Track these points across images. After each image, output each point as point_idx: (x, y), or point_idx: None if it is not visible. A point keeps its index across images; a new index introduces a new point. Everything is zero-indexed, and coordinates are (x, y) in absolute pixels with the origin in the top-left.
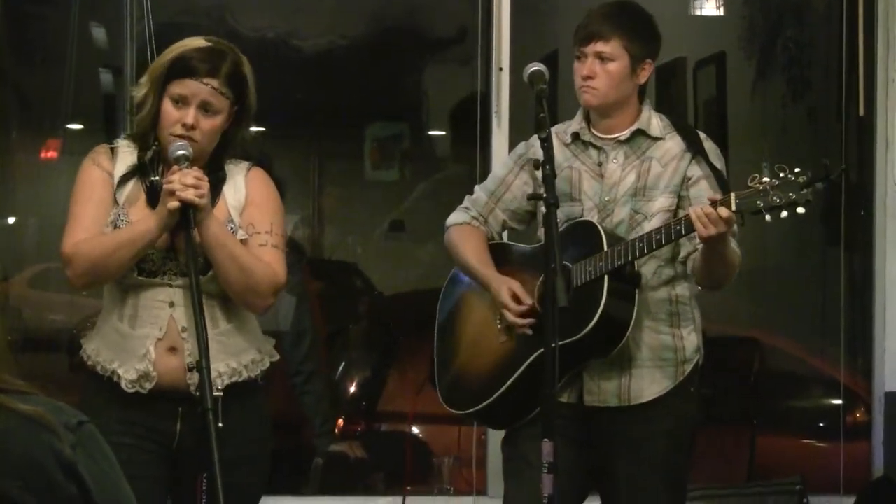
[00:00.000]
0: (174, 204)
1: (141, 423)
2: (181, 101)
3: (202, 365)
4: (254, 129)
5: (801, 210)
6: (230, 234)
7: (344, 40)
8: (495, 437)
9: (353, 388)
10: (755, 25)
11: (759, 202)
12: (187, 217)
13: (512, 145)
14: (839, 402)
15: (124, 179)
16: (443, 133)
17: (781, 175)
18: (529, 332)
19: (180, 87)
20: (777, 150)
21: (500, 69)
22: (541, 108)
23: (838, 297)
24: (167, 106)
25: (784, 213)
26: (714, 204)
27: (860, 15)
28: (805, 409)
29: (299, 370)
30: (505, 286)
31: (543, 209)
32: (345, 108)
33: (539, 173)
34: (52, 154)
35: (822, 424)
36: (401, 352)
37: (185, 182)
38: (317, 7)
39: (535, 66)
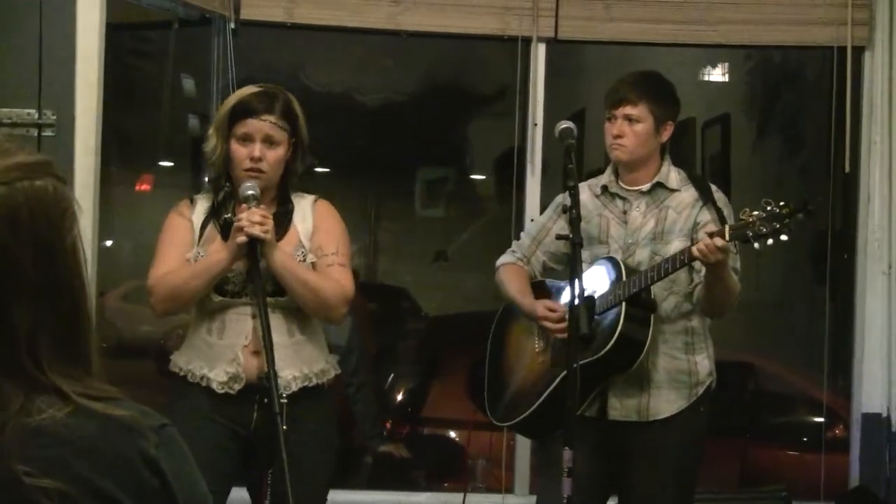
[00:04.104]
0: (242, 239)
1: (225, 411)
2: (246, 139)
3: (270, 374)
4: (320, 170)
5: (784, 237)
6: (294, 261)
7: (399, 96)
8: (523, 441)
9: (400, 397)
10: (756, 91)
11: (748, 232)
12: (254, 250)
13: (544, 192)
14: (821, 419)
15: (204, 224)
16: (483, 177)
17: (768, 208)
18: (565, 335)
19: (243, 127)
20: (774, 199)
21: (535, 124)
22: (569, 160)
23: (823, 328)
24: (235, 146)
25: (770, 241)
26: (711, 235)
27: (848, 84)
28: (791, 424)
29: (350, 382)
30: (540, 304)
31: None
32: (399, 153)
33: (567, 217)
34: (145, 187)
35: (805, 439)
36: (442, 366)
37: (252, 220)
38: (377, 67)
39: (565, 124)
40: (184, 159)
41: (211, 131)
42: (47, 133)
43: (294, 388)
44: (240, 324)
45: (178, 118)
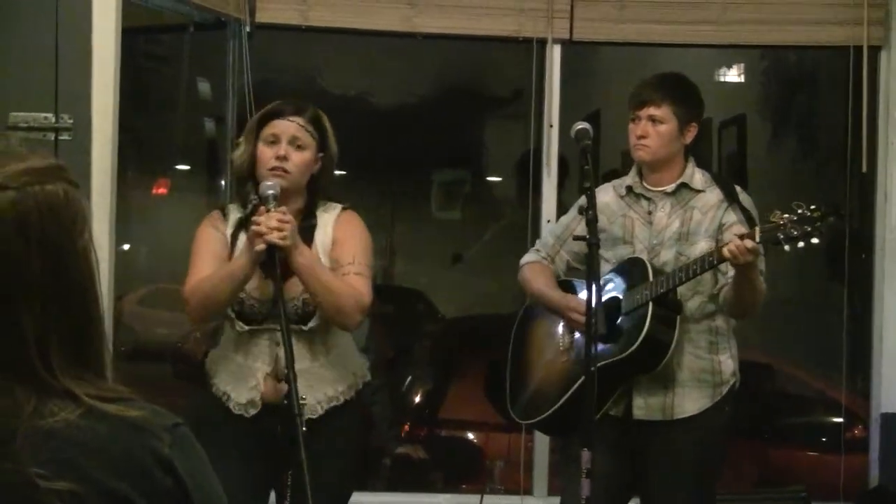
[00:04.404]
0: (261, 246)
1: (245, 431)
2: (273, 140)
3: (289, 377)
4: (336, 172)
5: (815, 241)
6: (318, 262)
7: (415, 98)
8: (541, 443)
9: (417, 399)
10: (771, 91)
11: (779, 234)
12: (272, 256)
13: (563, 194)
14: (840, 420)
15: (234, 236)
16: (499, 179)
17: (799, 211)
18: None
19: (271, 128)
20: (790, 199)
21: (551, 126)
22: (584, 160)
23: (841, 329)
24: (262, 148)
25: (801, 244)
26: (742, 237)
27: (864, 83)
28: (810, 425)
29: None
30: (569, 299)
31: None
32: (415, 156)
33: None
34: (162, 190)
35: (824, 439)
36: (460, 367)
37: (270, 225)
38: (392, 69)
39: (581, 125)
40: (200, 163)
41: (241, 139)
42: (64, 137)
43: (320, 411)
44: (263, 350)
45: (194, 122)
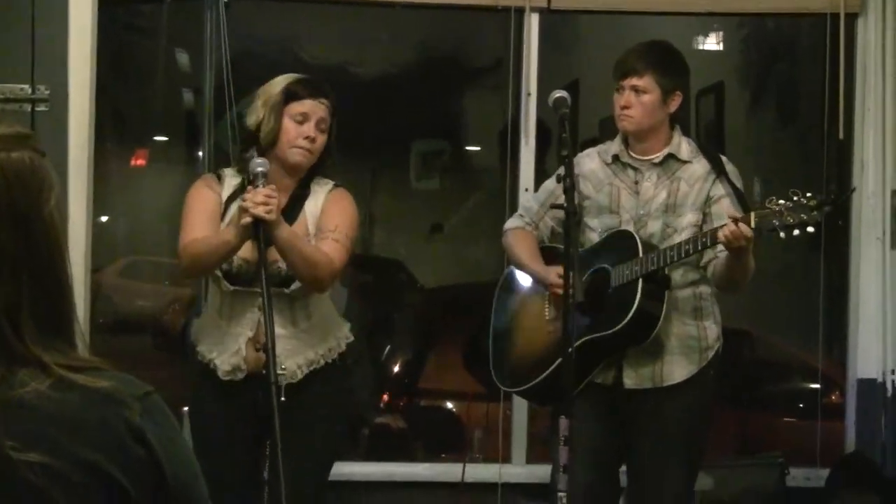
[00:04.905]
0: (247, 220)
1: (232, 396)
2: (303, 119)
3: (267, 347)
4: None
5: (811, 229)
6: (298, 236)
7: (394, 68)
8: (520, 411)
9: (396, 368)
10: (750, 59)
11: (775, 221)
12: (258, 229)
13: (538, 161)
14: (817, 386)
15: (228, 202)
16: (479, 149)
17: (795, 198)
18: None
19: (301, 107)
20: (769, 168)
21: (529, 94)
22: (563, 129)
23: (818, 296)
24: (288, 124)
25: (796, 232)
26: (736, 221)
27: (841, 51)
28: (788, 392)
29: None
30: (552, 271)
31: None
32: (394, 126)
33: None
34: (140, 162)
35: (801, 406)
36: (439, 337)
37: (256, 200)
38: (372, 39)
39: (558, 93)
40: (178, 134)
41: (259, 107)
42: (41, 108)
43: (300, 375)
44: (247, 314)
45: (172, 93)
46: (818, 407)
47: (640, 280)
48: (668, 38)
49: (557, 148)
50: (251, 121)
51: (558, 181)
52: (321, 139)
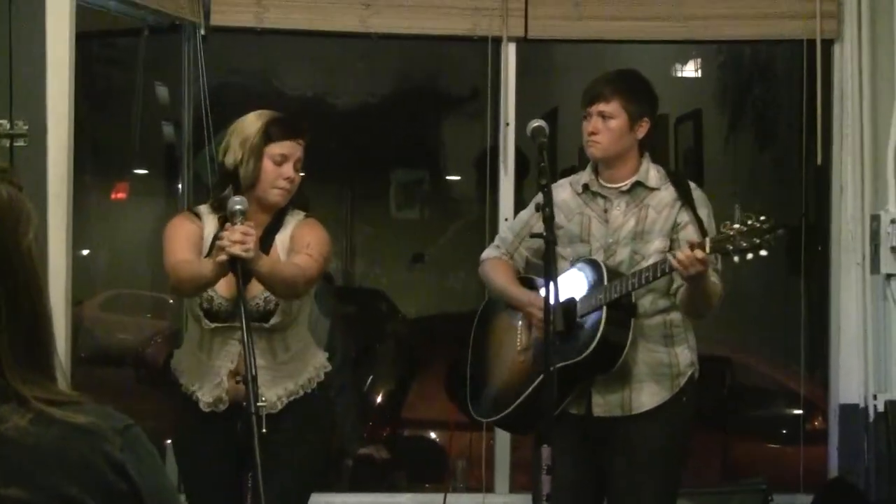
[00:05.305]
0: (222, 257)
1: (215, 427)
2: (282, 160)
3: (247, 379)
4: None
5: (763, 253)
6: (276, 263)
7: (373, 98)
8: (503, 441)
9: (379, 399)
10: (728, 86)
11: (728, 246)
12: (235, 266)
13: (521, 191)
14: (800, 411)
15: (214, 239)
16: (458, 178)
17: (749, 222)
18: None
19: (280, 148)
20: (747, 193)
21: (507, 124)
22: (541, 158)
23: (799, 321)
24: (268, 165)
25: (749, 256)
26: (692, 247)
27: (818, 78)
28: (770, 417)
29: (331, 384)
30: (530, 295)
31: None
32: (373, 156)
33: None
34: (120, 195)
35: (784, 431)
36: (421, 366)
37: (233, 239)
38: (350, 70)
39: (536, 122)
40: (158, 167)
41: (236, 147)
42: (19, 143)
43: (280, 406)
44: (226, 348)
45: (151, 126)
46: (801, 432)
47: (605, 308)
48: (645, 65)
49: (536, 176)
50: (229, 160)
51: (537, 210)
52: (297, 177)
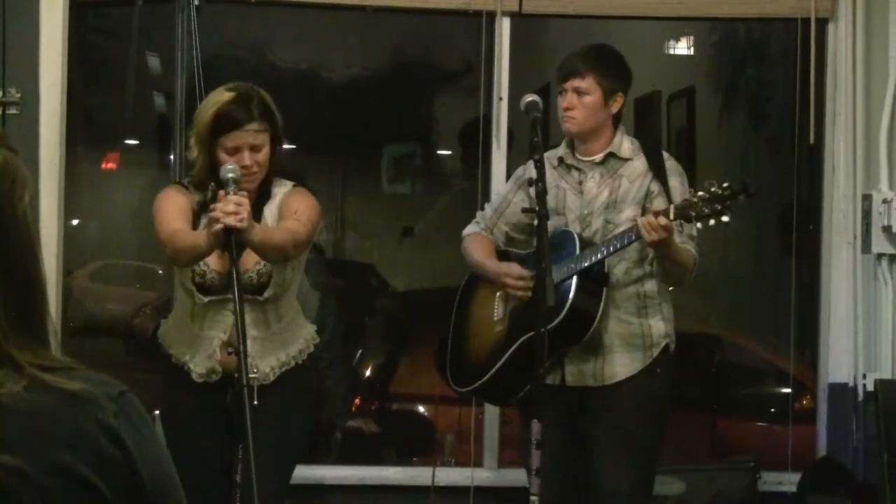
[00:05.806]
0: (217, 228)
1: (205, 398)
2: (235, 150)
3: (239, 350)
4: (287, 146)
5: (725, 219)
6: (268, 229)
7: (366, 72)
8: (491, 416)
9: (368, 373)
10: (721, 64)
11: (691, 212)
12: (229, 237)
13: (510, 165)
14: (788, 390)
15: (198, 216)
16: (450, 152)
17: (712, 189)
18: (528, 294)
19: (230, 141)
20: (739, 172)
21: (500, 99)
22: (534, 133)
23: (789, 300)
24: (223, 157)
25: (711, 221)
26: (656, 214)
27: (812, 57)
28: (759, 396)
29: (321, 357)
30: (504, 266)
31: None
32: (366, 130)
33: (533, 190)
34: (111, 165)
35: (773, 410)
36: (411, 341)
37: (226, 210)
38: (344, 43)
39: (530, 97)
40: (149, 137)
41: (192, 142)
42: (12, 111)
43: (272, 377)
44: (218, 319)
45: (143, 96)
46: (790, 411)
47: (576, 277)
48: (639, 42)
49: (524, 151)
50: (193, 155)
51: (530, 184)
52: (260, 157)
